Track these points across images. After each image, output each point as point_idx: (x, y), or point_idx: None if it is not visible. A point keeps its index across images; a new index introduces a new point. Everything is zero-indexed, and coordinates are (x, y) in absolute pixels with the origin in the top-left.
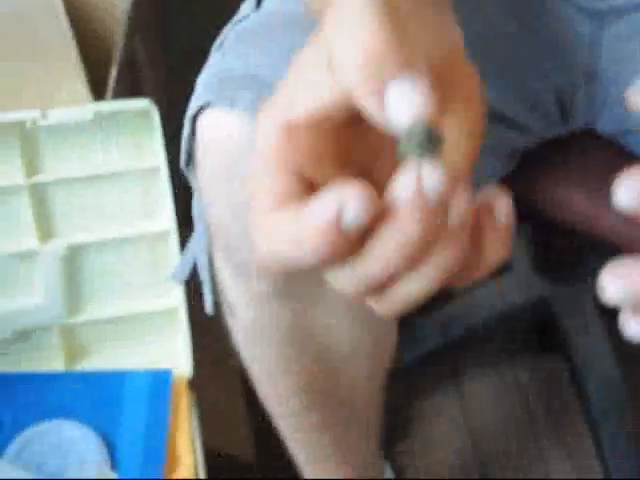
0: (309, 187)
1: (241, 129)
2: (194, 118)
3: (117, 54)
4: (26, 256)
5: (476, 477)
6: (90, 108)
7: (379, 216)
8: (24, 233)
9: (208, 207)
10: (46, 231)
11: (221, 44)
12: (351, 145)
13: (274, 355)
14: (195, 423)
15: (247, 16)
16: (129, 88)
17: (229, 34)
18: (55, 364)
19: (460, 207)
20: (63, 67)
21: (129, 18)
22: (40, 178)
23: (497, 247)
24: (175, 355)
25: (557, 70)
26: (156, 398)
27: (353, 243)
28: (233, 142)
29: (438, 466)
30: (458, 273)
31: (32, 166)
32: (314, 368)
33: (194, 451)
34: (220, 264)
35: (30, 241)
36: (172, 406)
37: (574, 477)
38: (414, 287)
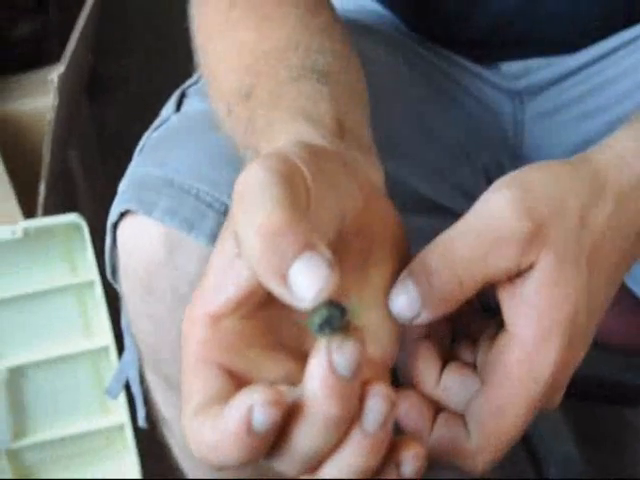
0: (236, 381)
1: (158, 237)
2: (115, 226)
3: (45, 170)
4: None
5: None
6: (19, 226)
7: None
8: None
9: (133, 319)
10: None
11: (141, 149)
12: (279, 322)
13: (212, 471)
14: None
15: (167, 119)
16: (63, 203)
17: (148, 139)
18: None
19: (377, 412)
20: None
21: (55, 133)
22: None
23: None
24: (124, 472)
25: (483, 151)
26: None
27: (270, 440)
28: (151, 251)
29: None
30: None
31: None
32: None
33: None
34: (150, 377)
35: None
36: None
37: None
38: (336, 473)
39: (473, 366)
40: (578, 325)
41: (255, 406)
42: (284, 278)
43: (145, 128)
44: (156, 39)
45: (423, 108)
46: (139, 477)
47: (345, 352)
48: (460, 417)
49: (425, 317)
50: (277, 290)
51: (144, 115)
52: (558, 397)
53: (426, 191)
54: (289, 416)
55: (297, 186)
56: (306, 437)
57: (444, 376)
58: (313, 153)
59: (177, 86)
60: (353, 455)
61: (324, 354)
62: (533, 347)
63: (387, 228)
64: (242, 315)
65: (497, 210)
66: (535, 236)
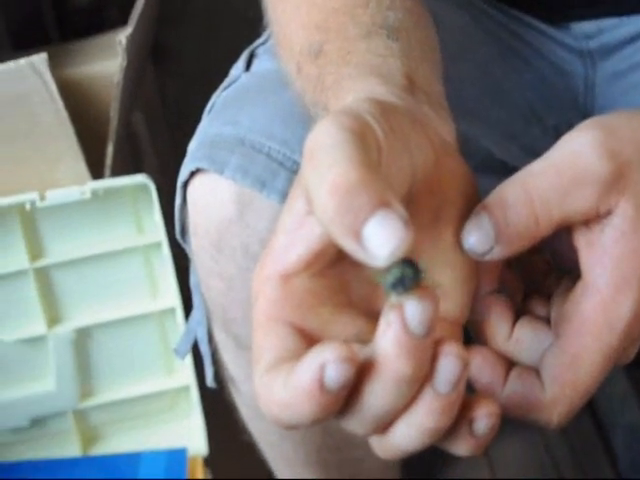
0: (308, 339)
1: (230, 195)
2: (185, 185)
3: (112, 131)
4: (35, 341)
5: None
6: (87, 187)
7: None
8: (31, 318)
9: (202, 278)
10: (53, 315)
11: (210, 109)
12: (349, 280)
13: (279, 430)
14: None
15: (237, 79)
16: (129, 164)
17: (218, 98)
18: (71, 449)
19: (449, 372)
20: (60, 147)
21: (122, 95)
22: (44, 261)
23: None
24: (189, 432)
25: (553, 112)
26: (172, 477)
27: (342, 398)
28: (222, 209)
29: None
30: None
31: (35, 249)
32: (323, 441)
33: None
34: (219, 336)
35: (38, 326)
36: None
37: None
38: (407, 433)
39: (546, 321)
40: None
41: (328, 363)
42: (358, 236)
43: (207, 95)
44: (216, 8)
45: (492, 68)
46: (204, 438)
47: (419, 311)
48: (534, 370)
49: (497, 253)
50: (351, 248)
51: (205, 83)
52: (633, 350)
53: (496, 152)
54: (360, 374)
55: (369, 143)
56: (377, 396)
57: (516, 329)
58: (383, 109)
59: (237, 54)
60: (424, 415)
61: (397, 312)
62: (609, 295)
63: (459, 184)
64: (313, 273)
65: (580, 149)
66: (616, 180)
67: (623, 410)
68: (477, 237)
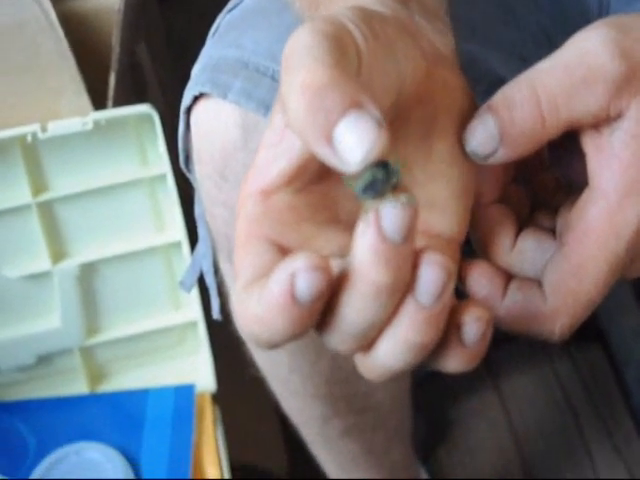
0: (287, 255)
1: (234, 120)
2: (188, 111)
3: (115, 60)
4: (40, 277)
5: (520, 478)
6: (89, 117)
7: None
8: (35, 254)
9: (207, 207)
10: (57, 250)
11: (214, 32)
12: (335, 195)
13: (287, 362)
14: (220, 437)
15: (241, 1)
16: (132, 95)
17: (222, 21)
18: (78, 386)
19: (431, 282)
20: (61, 78)
21: (123, 23)
22: (47, 195)
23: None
24: (197, 369)
25: (566, 35)
26: (180, 414)
27: (317, 312)
28: (226, 134)
29: (480, 468)
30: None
31: (37, 183)
32: (332, 374)
33: (220, 466)
34: (224, 266)
35: (42, 262)
36: (196, 421)
37: (621, 469)
38: (392, 349)
39: (552, 233)
40: None
41: (298, 272)
42: (330, 139)
43: (211, 25)
44: None
45: None
46: (212, 374)
47: (394, 215)
48: (535, 282)
49: (502, 155)
50: (322, 152)
51: (209, 13)
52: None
53: (506, 74)
54: (338, 287)
55: (345, 47)
56: (355, 308)
57: (519, 240)
58: (366, 16)
59: None
60: (408, 328)
61: (372, 218)
62: (616, 200)
63: (454, 96)
64: (296, 189)
65: (591, 47)
66: (629, 81)
67: (636, 345)
68: (481, 138)
